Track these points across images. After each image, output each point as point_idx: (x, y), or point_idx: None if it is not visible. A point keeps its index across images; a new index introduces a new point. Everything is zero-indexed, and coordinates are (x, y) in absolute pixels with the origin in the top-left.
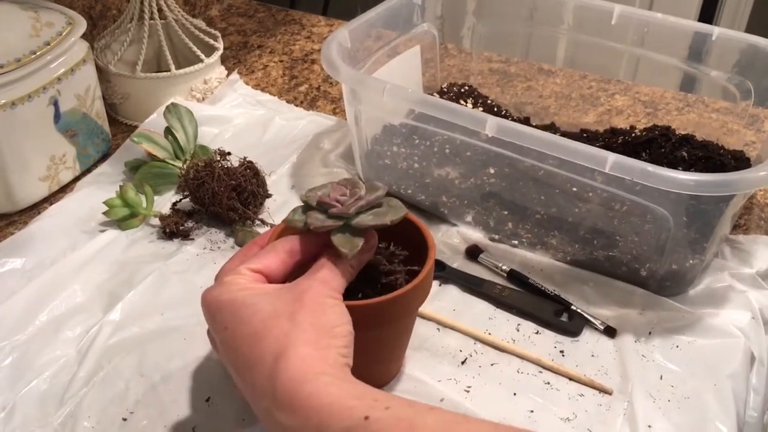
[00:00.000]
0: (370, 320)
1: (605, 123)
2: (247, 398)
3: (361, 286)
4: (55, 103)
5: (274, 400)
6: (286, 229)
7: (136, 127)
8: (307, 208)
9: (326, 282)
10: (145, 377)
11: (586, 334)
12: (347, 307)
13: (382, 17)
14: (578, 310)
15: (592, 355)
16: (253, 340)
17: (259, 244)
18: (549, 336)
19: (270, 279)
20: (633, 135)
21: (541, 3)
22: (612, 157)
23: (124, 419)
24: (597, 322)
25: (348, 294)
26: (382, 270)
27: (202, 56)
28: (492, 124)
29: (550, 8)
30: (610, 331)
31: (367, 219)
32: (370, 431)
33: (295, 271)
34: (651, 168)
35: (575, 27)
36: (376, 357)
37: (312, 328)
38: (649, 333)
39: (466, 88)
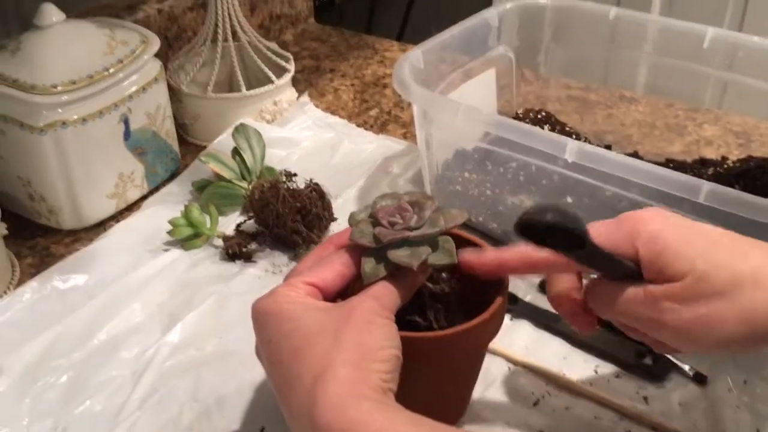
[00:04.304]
0: (433, 354)
1: (693, 153)
2: (286, 418)
3: (418, 310)
4: (126, 121)
5: (311, 424)
6: None
7: (205, 147)
8: (368, 213)
9: (378, 298)
10: (199, 402)
11: (673, 380)
12: (410, 338)
13: (457, 39)
14: (664, 354)
15: (680, 404)
16: (294, 357)
17: (336, 243)
18: (631, 380)
19: (325, 292)
20: (725, 166)
21: (622, 25)
22: (706, 186)
23: None
24: (685, 367)
25: (409, 324)
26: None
27: (273, 77)
28: (572, 149)
29: (632, 30)
30: (700, 378)
31: (401, 255)
32: None
33: (354, 284)
34: (752, 199)
35: (657, 50)
36: (439, 394)
37: (354, 348)
38: (744, 381)
39: (543, 114)
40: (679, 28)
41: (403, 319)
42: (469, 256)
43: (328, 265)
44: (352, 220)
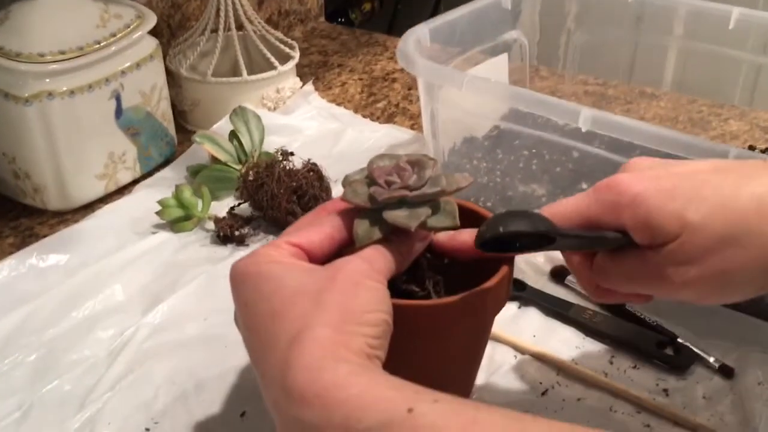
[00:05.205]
0: (429, 325)
1: None
2: (260, 387)
3: (416, 281)
4: (117, 98)
5: (284, 391)
6: None
7: None
8: (364, 175)
9: (370, 260)
10: (176, 385)
11: (696, 372)
12: (403, 306)
13: (467, 19)
14: (686, 344)
15: (704, 397)
16: (271, 320)
17: (328, 209)
18: (649, 371)
19: (311, 255)
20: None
21: (646, 8)
22: (734, 151)
23: (147, 429)
24: (710, 359)
25: (405, 294)
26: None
27: (276, 63)
28: (587, 116)
29: (658, 13)
30: (726, 370)
31: (398, 215)
32: (416, 427)
33: (345, 251)
34: None
35: (685, 34)
36: (436, 373)
37: (337, 310)
38: None
39: None
40: (706, 9)
41: (399, 288)
42: (442, 237)
43: (317, 227)
44: (346, 180)
